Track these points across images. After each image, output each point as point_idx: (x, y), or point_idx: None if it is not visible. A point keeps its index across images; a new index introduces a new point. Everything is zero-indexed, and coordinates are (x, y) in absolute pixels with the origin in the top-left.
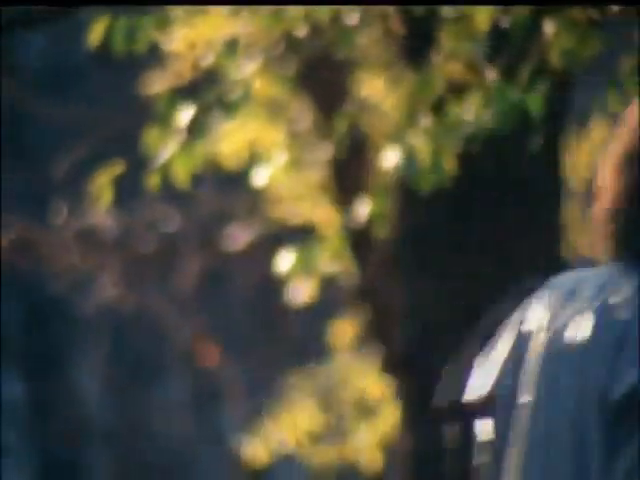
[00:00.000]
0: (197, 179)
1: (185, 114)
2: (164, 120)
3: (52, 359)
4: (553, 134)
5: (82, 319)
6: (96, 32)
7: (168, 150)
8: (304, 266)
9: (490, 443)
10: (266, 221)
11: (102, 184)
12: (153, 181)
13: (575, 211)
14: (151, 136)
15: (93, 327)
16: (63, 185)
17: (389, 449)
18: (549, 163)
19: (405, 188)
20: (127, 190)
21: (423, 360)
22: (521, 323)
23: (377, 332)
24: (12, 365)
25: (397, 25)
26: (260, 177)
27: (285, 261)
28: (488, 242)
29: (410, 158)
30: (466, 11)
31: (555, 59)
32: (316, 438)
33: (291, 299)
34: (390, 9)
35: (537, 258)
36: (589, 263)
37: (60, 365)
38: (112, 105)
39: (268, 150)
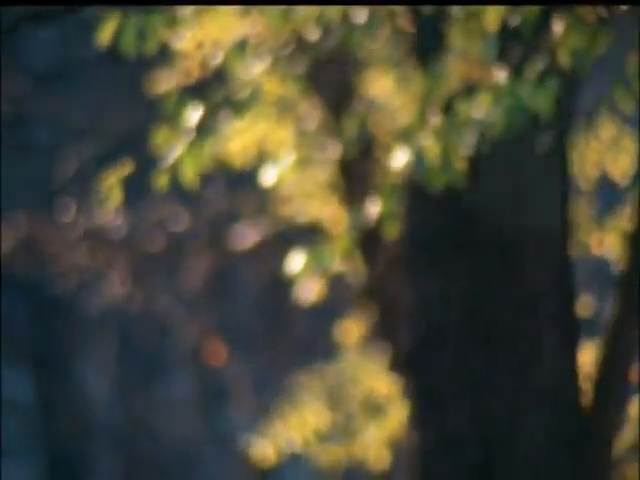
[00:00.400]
0: (205, 179)
1: (194, 114)
2: (173, 120)
3: (60, 358)
4: (561, 133)
5: (90, 318)
6: (106, 32)
7: (177, 150)
8: (314, 266)
9: None
10: (274, 220)
11: (111, 184)
12: (161, 181)
13: (583, 210)
14: (160, 136)
15: (101, 326)
16: (71, 184)
17: (396, 447)
18: (557, 162)
19: (414, 188)
20: (135, 189)
21: (430, 359)
22: None
23: (384, 331)
24: (20, 364)
25: (406, 24)
26: (268, 176)
27: (295, 262)
28: (495, 242)
29: (420, 157)
30: (476, 11)
31: (564, 58)
32: (324, 437)
33: (299, 298)
34: (399, 8)
35: (545, 258)
36: (597, 262)
37: (68, 364)
38: (120, 104)
39: (277, 149)
